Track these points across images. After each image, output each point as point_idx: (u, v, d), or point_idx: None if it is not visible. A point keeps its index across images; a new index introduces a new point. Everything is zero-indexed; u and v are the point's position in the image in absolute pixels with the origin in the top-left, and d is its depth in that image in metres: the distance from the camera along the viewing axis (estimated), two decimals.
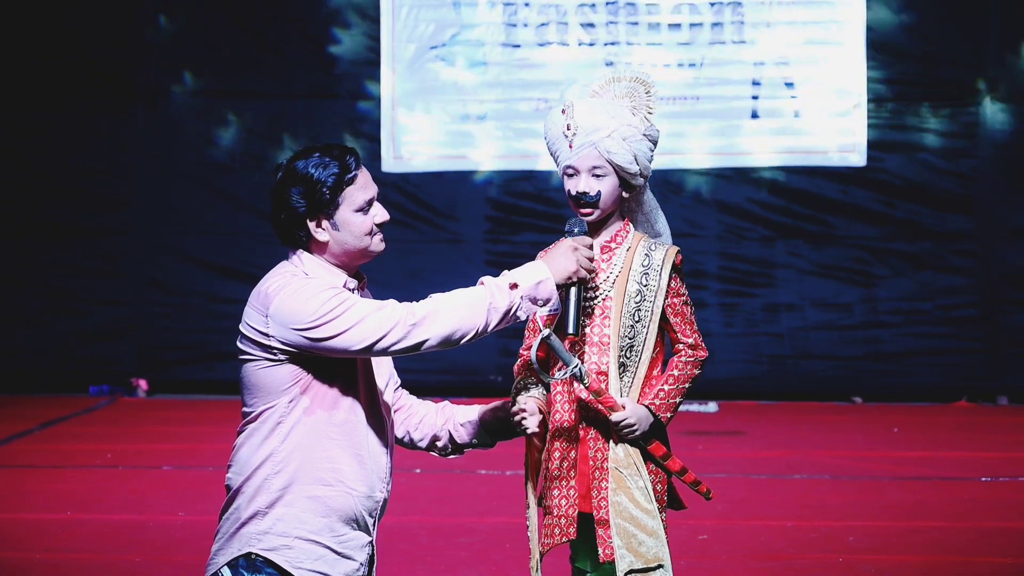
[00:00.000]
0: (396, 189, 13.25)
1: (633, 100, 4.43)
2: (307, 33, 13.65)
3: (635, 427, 4.36)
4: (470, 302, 4.07)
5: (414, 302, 4.08)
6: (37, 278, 13.82)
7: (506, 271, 4.16)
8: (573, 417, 4.44)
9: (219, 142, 13.69)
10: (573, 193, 4.42)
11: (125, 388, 13.84)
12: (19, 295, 13.84)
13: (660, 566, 4.37)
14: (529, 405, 4.43)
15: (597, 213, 4.42)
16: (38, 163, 13.76)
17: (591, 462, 4.41)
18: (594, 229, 4.44)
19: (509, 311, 4.09)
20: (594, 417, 4.40)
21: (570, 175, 4.44)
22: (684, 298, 4.47)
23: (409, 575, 6.94)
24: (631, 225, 4.52)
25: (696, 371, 4.46)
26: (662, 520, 4.41)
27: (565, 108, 4.43)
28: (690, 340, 4.46)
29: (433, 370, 12.91)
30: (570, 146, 4.41)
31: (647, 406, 4.38)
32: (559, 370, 4.35)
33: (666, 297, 4.42)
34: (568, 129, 4.41)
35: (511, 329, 4.19)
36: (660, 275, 4.41)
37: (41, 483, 9.57)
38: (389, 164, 13.43)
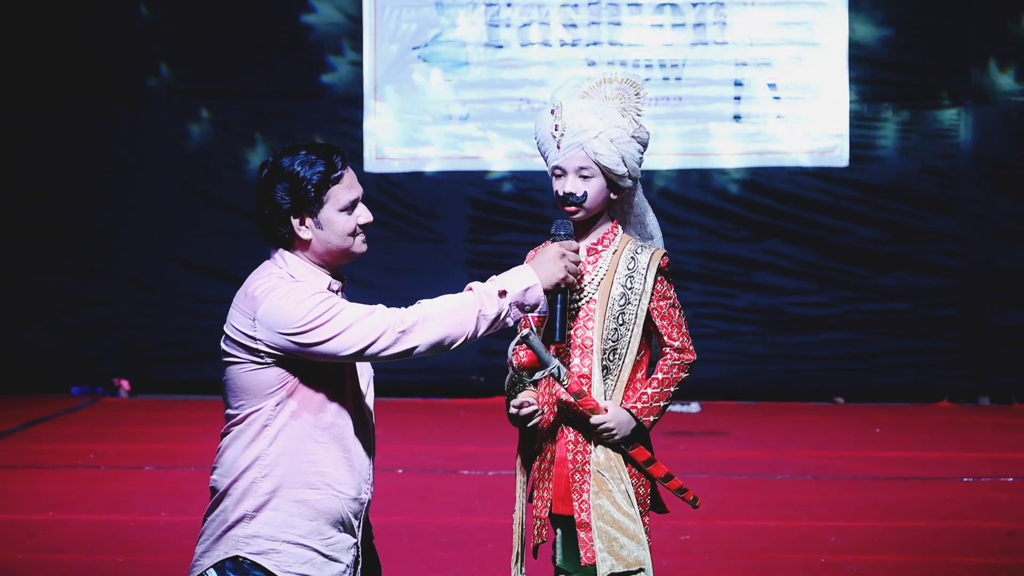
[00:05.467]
0: (378, 189, 13.23)
1: (623, 102, 4.43)
2: (289, 33, 13.63)
3: (614, 431, 4.36)
4: (459, 309, 4.07)
5: (403, 308, 4.08)
6: (19, 278, 13.77)
7: (494, 276, 4.15)
8: (554, 418, 4.45)
9: (200, 142, 13.67)
10: (560, 194, 4.42)
11: (107, 388, 13.81)
12: (2, 295, 13.80)
13: (641, 570, 4.37)
14: (526, 398, 4.45)
15: (583, 213, 4.42)
16: (19, 163, 13.72)
17: (572, 464, 4.42)
18: (581, 231, 4.44)
19: (498, 318, 4.10)
20: (577, 419, 4.40)
21: (558, 176, 4.44)
22: (671, 301, 4.46)
23: (392, 575, 6.95)
24: (620, 228, 4.52)
25: (683, 374, 4.45)
26: (645, 524, 4.42)
27: (554, 109, 4.44)
28: (676, 343, 4.45)
29: (416, 370, 12.91)
30: (558, 147, 4.41)
31: (628, 410, 4.38)
32: (538, 370, 4.37)
33: (651, 300, 4.42)
34: (556, 130, 4.41)
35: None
36: (645, 278, 4.41)
37: (23, 484, 9.55)
38: (371, 164, 13.43)
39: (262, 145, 13.43)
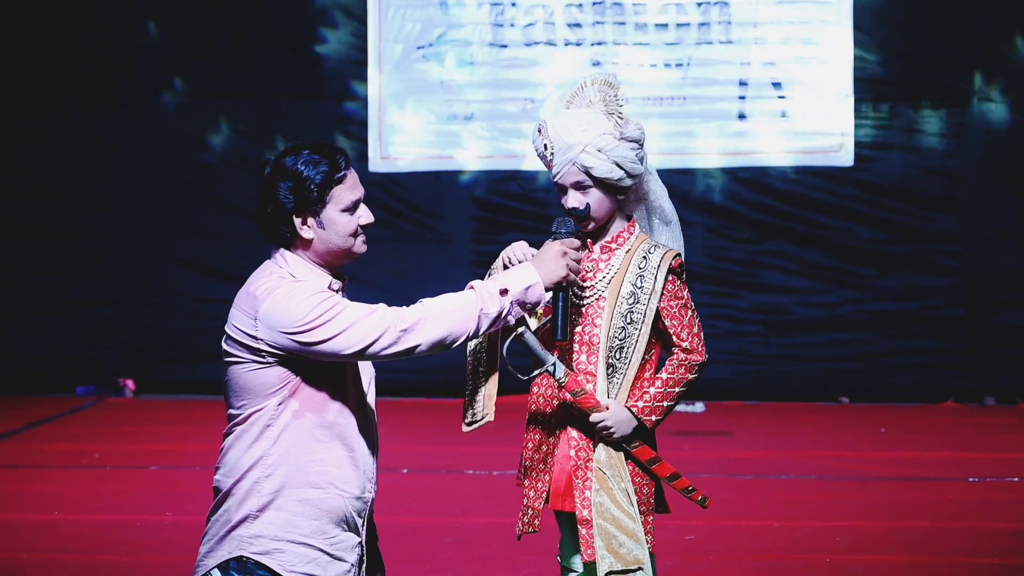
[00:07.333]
0: (383, 189, 13.23)
1: (606, 104, 4.41)
2: (293, 33, 13.63)
3: (612, 429, 4.35)
4: (461, 307, 4.07)
5: (405, 307, 4.07)
6: (20, 278, 13.78)
7: (495, 275, 4.15)
8: (551, 412, 4.45)
9: (204, 142, 13.66)
10: (566, 208, 4.42)
11: (112, 388, 13.81)
12: (5, 296, 13.81)
13: (640, 569, 4.36)
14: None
15: (592, 224, 4.43)
16: (19, 163, 13.72)
17: (574, 461, 4.41)
18: (595, 232, 4.45)
19: (499, 316, 4.10)
20: (579, 416, 4.40)
21: (559, 190, 4.45)
22: (682, 301, 4.44)
23: (395, 575, 6.95)
24: (636, 227, 4.51)
25: (690, 375, 4.43)
26: (648, 523, 4.40)
27: (540, 128, 4.44)
28: (686, 343, 4.43)
29: (417, 370, 12.86)
30: (551, 165, 4.42)
31: (629, 408, 4.37)
32: (535, 368, 4.36)
33: (661, 299, 4.40)
34: (546, 149, 4.42)
35: None
36: (656, 277, 4.40)
37: (28, 483, 9.55)
38: (376, 164, 13.42)
39: (265, 145, 13.42)
